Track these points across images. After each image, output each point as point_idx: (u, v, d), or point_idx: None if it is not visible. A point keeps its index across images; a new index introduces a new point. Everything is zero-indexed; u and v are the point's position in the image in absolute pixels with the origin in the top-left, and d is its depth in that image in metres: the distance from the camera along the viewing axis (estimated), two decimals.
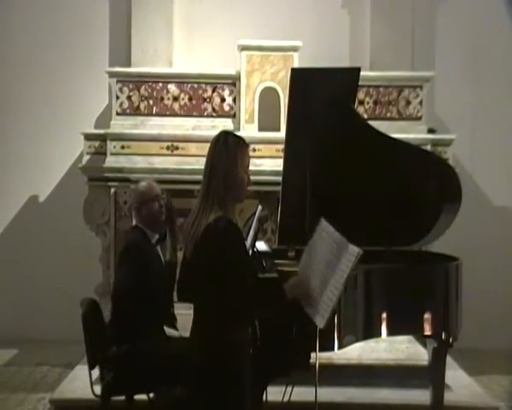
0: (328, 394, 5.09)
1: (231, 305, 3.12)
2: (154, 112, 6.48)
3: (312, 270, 3.36)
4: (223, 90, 6.48)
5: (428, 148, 6.07)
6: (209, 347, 3.15)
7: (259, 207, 4.29)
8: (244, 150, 3.28)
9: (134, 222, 4.71)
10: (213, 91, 6.48)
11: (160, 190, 4.73)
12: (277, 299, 3.23)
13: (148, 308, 4.26)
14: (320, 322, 3.26)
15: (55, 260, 7.08)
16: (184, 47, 7.14)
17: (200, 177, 3.28)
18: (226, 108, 6.48)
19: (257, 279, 3.70)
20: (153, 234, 4.54)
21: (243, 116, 6.37)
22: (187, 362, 3.26)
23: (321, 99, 4.08)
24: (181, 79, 6.48)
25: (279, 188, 4.37)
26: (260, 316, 3.45)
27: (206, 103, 6.48)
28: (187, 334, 3.36)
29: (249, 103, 6.36)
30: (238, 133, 6.17)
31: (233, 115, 6.48)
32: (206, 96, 6.48)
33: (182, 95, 6.47)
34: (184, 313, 4.72)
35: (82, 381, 4.89)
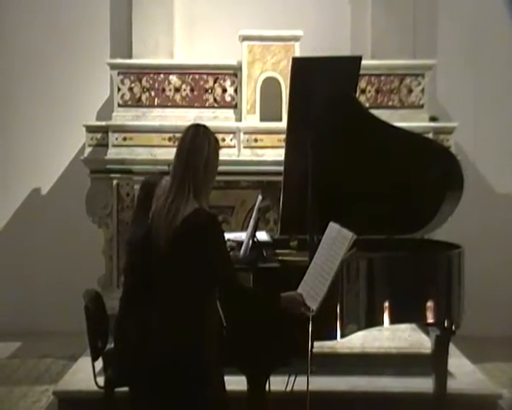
0: (331, 382, 5.11)
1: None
2: (155, 103, 6.47)
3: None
4: (224, 80, 6.47)
5: (430, 136, 6.06)
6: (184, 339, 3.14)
7: (259, 197, 4.30)
8: (218, 145, 3.30)
9: None
10: (215, 82, 6.48)
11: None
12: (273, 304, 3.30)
13: None
14: (313, 305, 3.28)
15: (58, 252, 7.09)
16: (185, 38, 7.13)
17: None
18: (228, 98, 6.47)
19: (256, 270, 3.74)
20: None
21: (245, 106, 6.36)
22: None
23: (322, 88, 4.06)
24: (182, 70, 6.48)
25: (281, 178, 4.37)
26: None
27: (207, 94, 6.47)
28: None
29: (251, 94, 6.35)
30: (240, 124, 6.25)
31: (234, 106, 6.47)
32: (207, 86, 6.47)
33: (183, 86, 6.46)
34: None
35: (85, 373, 4.89)
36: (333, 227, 3.47)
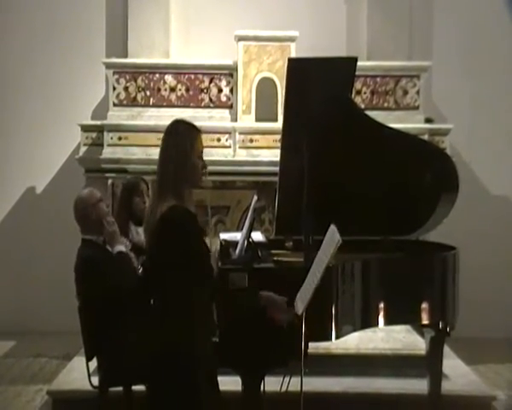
0: (325, 383, 5.11)
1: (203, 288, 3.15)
2: (150, 103, 6.47)
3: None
4: (220, 80, 6.47)
5: (426, 137, 6.07)
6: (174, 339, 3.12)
7: (255, 197, 4.29)
8: (195, 136, 3.25)
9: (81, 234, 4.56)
10: (210, 82, 6.47)
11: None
12: (248, 301, 3.31)
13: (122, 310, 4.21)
14: (299, 308, 3.28)
15: (53, 251, 7.07)
16: (181, 38, 7.12)
17: None
18: (223, 98, 6.47)
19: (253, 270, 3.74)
20: (98, 238, 4.47)
21: (240, 107, 6.36)
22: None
23: (318, 89, 4.06)
24: (178, 70, 6.47)
25: (277, 178, 4.36)
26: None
27: (203, 94, 6.47)
28: None
29: (246, 94, 6.35)
30: (235, 124, 6.24)
31: (230, 106, 6.47)
32: (203, 86, 6.47)
33: (179, 86, 6.46)
34: None
35: (80, 372, 4.88)
36: (331, 230, 3.46)
